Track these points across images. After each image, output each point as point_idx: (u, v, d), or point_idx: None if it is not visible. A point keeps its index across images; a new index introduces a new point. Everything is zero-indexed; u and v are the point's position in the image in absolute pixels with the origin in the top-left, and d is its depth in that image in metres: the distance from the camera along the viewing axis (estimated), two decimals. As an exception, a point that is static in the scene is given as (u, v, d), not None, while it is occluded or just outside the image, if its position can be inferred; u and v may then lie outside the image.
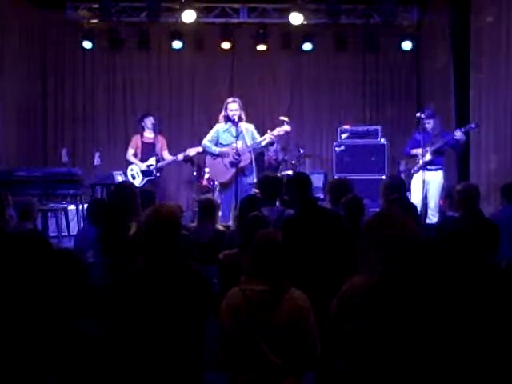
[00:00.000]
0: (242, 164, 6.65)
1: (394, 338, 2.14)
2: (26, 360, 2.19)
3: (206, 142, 6.95)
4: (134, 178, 8.00)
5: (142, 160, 8.06)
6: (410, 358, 2.11)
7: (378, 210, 6.56)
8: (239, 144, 6.63)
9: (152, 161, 7.88)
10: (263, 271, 2.86)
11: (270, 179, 4.86)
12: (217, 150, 6.83)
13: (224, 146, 6.83)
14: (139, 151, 8.12)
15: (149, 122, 8.06)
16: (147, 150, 8.00)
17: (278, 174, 7.17)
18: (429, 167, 7.00)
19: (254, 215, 3.94)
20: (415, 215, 5.00)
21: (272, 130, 6.85)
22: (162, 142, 8.08)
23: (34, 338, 2.23)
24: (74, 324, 2.32)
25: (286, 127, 6.81)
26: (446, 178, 7.23)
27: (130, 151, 8.17)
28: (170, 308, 2.75)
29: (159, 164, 7.87)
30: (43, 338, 2.24)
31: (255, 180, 7.73)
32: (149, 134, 8.07)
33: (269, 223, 3.91)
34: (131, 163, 8.14)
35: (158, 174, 7.83)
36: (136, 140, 8.19)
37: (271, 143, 7.12)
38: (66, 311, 2.32)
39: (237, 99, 6.91)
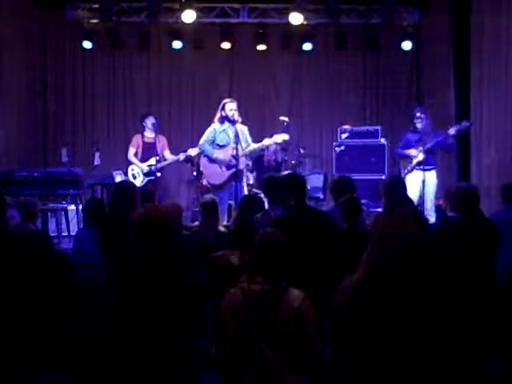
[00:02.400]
0: (238, 168, 6.64)
1: (384, 333, 2.14)
2: (26, 356, 2.19)
3: (203, 142, 6.94)
4: (134, 177, 7.98)
5: (143, 160, 8.04)
6: (401, 353, 2.11)
7: (377, 209, 6.59)
8: (239, 148, 6.62)
9: (153, 161, 7.87)
10: (264, 270, 2.86)
11: (275, 180, 4.87)
12: (214, 154, 6.82)
13: (221, 146, 6.84)
14: (140, 150, 8.10)
15: (149, 122, 8.04)
16: (148, 150, 7.98)
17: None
18: (424, 167, 6.98)
19: (245, 217, 3.94)
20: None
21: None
22: (163, 142, 8.05)
23: (30, 335, 2.23)
24: (73, 321, 2.32)
25: (285, 136, 6.86)
26: (439, 177, 7.21)
27: (131, 150, 8.14)
28: (155, 310, 2.74)
29: (160, 164, 7.85)
30: (41, 335, 2.24)
31: (251, 181, 7.77)
32: (149, 134, 8.05)
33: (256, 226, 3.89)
34: (132, 163, 8.12)
35: (158, 174, 7.81)
36: (137, 139, 8.17)
37: (262, 149, 7.17)
38: (59, 308, 2.32)
39: (234, 100, 6.92)
